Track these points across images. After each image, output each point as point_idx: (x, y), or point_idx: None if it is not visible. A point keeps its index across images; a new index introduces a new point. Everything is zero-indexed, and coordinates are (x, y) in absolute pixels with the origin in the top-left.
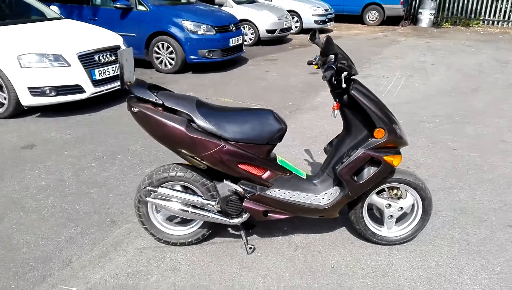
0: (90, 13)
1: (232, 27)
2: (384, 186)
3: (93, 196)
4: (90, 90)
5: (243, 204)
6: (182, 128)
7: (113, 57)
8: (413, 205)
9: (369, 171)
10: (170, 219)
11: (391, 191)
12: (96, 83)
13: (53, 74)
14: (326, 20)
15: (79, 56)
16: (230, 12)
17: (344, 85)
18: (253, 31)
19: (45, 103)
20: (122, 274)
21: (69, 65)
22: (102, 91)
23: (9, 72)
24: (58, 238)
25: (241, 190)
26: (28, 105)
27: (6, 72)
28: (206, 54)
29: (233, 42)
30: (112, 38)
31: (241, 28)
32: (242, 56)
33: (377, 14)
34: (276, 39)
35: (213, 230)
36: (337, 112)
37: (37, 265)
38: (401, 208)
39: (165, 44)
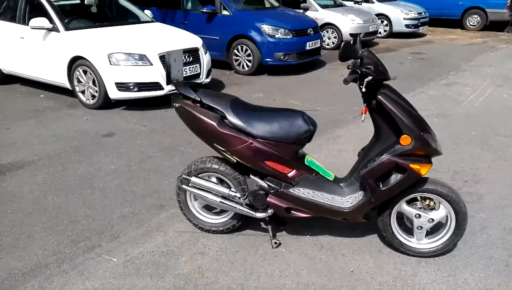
0: (181, 17)
1: (310, 31)
2: (416, 195)
3: (151, 181)
4: (168, 87)
5: (267, 199)
6: (214, 123)
7: (191, 58)
8: (446, 218)
9: (395, 178)
10: (207, 207)
11: (423, 201)
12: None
13: (137, 71)
14: (419, 24)
15: (160, 57)
16: (310, 16)
17: (364, 90)
18: (336, 34)
19: (129, 97)
20: (157, 251)
21: (151, 64)
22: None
23: (101, 68)
24: (113, 215)
25: (266, 185)
26: (115, 98)
27: (98, 68)
28: (282, 57)
29: (309, 45)
30: (193, 41)
31: (321, 32)
32: (321, 59)
33: (478, 18)
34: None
35: (245, 223)
36: (366, 116)
37: (90, 236)
38: (432, 219)
39: (244, 47)
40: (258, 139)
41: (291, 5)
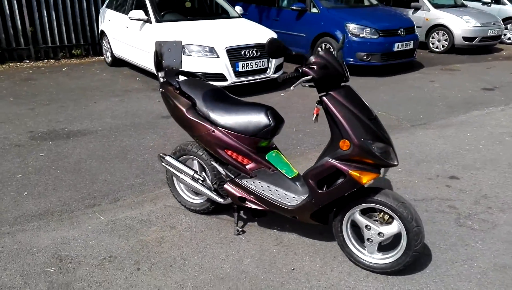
0: (274, 14)
1: (401, 31)
2: (370, 205)
3: None
4: (231, 79)
5: (224, 186)
6: (184, 109)
7: (259, 53)
8: (401, 235)
9: (335, 183)
10: None
11: (380, 213)
12: (238, 74)
13: (205, 62)
14: None
15: (227, 50)
16: (410, 16)
17: (292, 88)
18: (447, 37)
19: None
20: (138, 218)
21: (218, 57)
22: (243, 81)
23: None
24: (124, 183)
25: (223, 173)
26: None
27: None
28: (364, 57)
29: (398, 47)
30: (264, 36)
31: (431, 33)
32: (419, 62)
33: None
34: (477, 48)
35: (227, 208)
36: (321, 117)
37: (97, 196)
38: (382, 234)
39: (327, 45)
40: (220, 129)
41: (401, 4)
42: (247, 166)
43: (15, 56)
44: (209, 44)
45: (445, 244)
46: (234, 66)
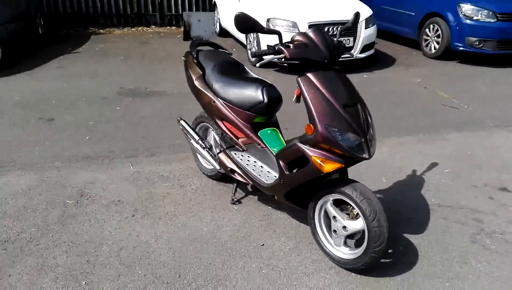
0: None
1: None
2: (338, 196)
3: None
4: None
5: (218, 154)
6: (194, 77)
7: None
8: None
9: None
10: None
11: (350, 207)
12: None
13: (285, 37)
14: None
15: (309, 25)
16: None
17: (257, 65)
18: None
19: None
20: (159, 173)
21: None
22: None
23: None
24: (166, 141)
25: (218, 142)
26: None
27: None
28: (476, 43)
29: None
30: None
31: None
32: None
33: None
34: None
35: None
36: (301, 98)
37: (139, 149)
38: (346, 228)
39: (435, 27)
40: (220, 100)
41: None
42: (240, 140)
43: (143, 21)
44: (292, 19)
45: (441, 257)
46: None
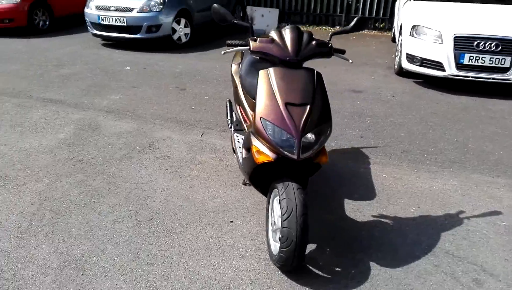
0: None
1: None
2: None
3: None
4: (450, 71)
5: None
6: (232, 64)
7: (499, 48)
8: None
9: None
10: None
11: None
12: (461, 67)
13: (427, 47)
14: None
15: (455, 38)
16: None
17: (222, 52)
18: None
19: (412, 70)
20: (212, 146)
21: (442, 43)
22: (466, 77)
23: (404, 37)
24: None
25: (229, 123)
26: (404, 68)
27: (403, 36)
28: None
29: None
30: None
31: None
32: None
33: None
34: None
35: None
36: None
37: (218, 125)
38: (274, 222)
39: None
40: (240, 87)
41: None
42: (245, 124)
43: (329, 20)
44: (438, 28)
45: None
46: (458, 56)
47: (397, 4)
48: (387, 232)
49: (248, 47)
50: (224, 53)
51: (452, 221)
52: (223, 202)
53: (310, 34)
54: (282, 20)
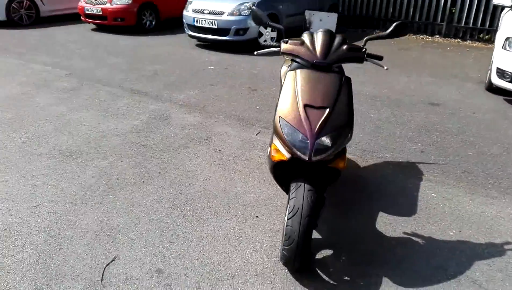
0: None
1: None
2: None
3: None
4: None
5: None
6: (283, 65)
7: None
8: None
9: None
10: None
11: None
12: None
13: (507, 57)
14: None
15: None
16: None
17: (255, 53)
18: None
19: (502, 86)
20: (263, 144)
21: None
22: None
23: (496, 51)
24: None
25: None
26: (494, 83)
27: (495, 50)
28: None
29: None
30: None
31: None
32: None
33: None
34: None
35: None
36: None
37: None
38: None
39: None
40: None
41: None
42: None
43: (428, 29)
44: None
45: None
46: None
47: (502, 14)
48: (413, 251)
49: (278, 48)
50: (257, 54)
51: (492, 251)
52: (255, 198)
53: (343, 38)
54: (377, 27)
